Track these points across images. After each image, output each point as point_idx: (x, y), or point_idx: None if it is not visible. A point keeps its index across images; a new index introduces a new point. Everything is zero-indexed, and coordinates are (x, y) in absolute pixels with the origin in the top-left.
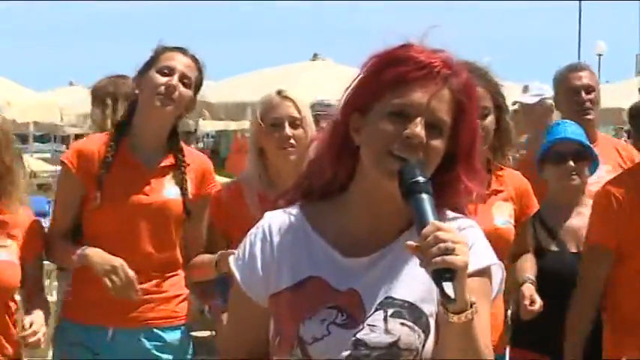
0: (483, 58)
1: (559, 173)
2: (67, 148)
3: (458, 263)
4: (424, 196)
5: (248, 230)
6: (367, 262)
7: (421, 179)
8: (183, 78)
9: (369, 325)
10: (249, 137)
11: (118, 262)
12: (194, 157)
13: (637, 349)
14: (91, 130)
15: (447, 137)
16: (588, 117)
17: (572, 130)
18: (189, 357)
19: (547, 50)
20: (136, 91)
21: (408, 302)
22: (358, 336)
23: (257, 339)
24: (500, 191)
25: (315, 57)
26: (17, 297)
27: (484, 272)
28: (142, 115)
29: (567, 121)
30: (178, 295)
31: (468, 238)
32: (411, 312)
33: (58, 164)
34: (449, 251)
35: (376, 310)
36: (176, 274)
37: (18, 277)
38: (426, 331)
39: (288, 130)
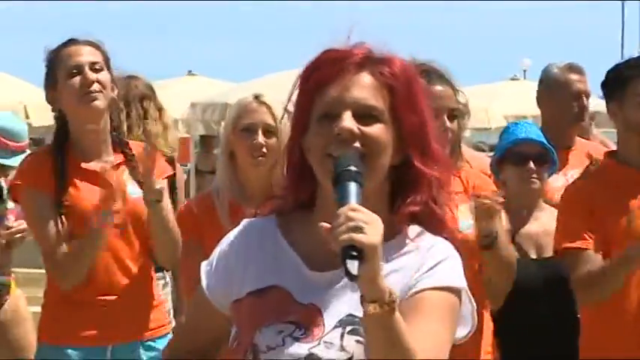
0: (523, 60)
1: (519, 175)
2: None
3: (365, 241)
4: (350, 183)
5: (220, 240)
6: (331, 277)
7: (352, 168)
8: (92, 66)
9: (325, 341)
10: (221, 140)
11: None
12: (135, 146)
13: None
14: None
15: (389, 124)
16: (584, 123)
17: (534, 130)
18: None
19: (589, 50)
20: (53, 108)
21: None
22: (312, 350)
23: (205, 342)
24: (460, 192)
25: None
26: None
27: (450, 290)
28: (76, 124)
29: (526, 121)
30: (161, 302)
31: (437, 254)
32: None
33: None
34: (357, 229)
35: (335, 327)
36: (151, 279)
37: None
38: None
39: (261, 138)
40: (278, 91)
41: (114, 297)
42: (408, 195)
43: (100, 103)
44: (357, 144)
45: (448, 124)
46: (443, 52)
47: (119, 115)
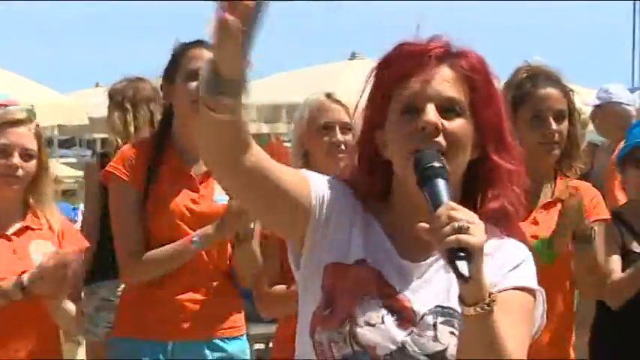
0: (534, 57)
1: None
2: (94, 154)
3: (472, 242)
4: (438, 180)
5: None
6: (419, 268)
7: (436, 164)
8: None
9: (419, 329)
10: (293, 140)
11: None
12: None
13: None
14: (113, 136)
15: (469, 118)
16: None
17: None
18: None
19: (600, 51)
20: (164, 99)
21: (457, 312)
22: (407, 338)
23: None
24: (563, 201)
25: (353, 56)
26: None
27: (529, 291)
28: (181, 124)
29: None
30: (236, 303)
31: (515, 256)
32: (461, 322)
33: (83, 169)
34: (463, 230)
35: (424, 315)
36: (230, 282)
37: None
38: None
39: (340, 136)
40: (282, 91)
41: (191, 295)
42: (485, 190)
43: None
44: (440, 139)
45: (554, 126)
46: None
47: (126, 116)
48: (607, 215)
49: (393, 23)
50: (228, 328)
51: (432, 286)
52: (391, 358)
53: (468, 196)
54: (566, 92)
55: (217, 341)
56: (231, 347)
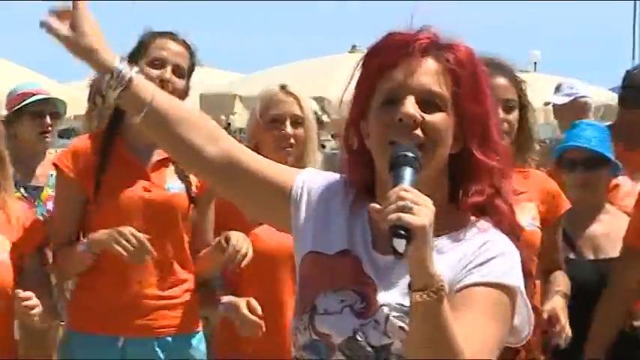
0: (533, 51)
1: (571, 181)
2: None
3: (413, 222)
4: (406, 167)
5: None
6: (393, 261)
7: (409, 154)
8: (175, 69)
9: (375, 320)
10: (246, 132)
11: (125, 227)
12: None
13: None
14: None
15: (451, 112)
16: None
17: (585, 135)
18: None
19: (600, 42)
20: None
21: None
22: (364, 328)
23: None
24: (522, 192)
25: (353, 49)
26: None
27: (502, 288)
28: None
29: (585, 121)
30: (191, 299)
31: (492, 249)
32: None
33: None
34: (406, 209)
35: (382, 306)
36: (187, 277)
37: (10, 277)
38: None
39: (289, 129)
40: (287, 82)
41: (141, 290)
42: (468, 185)
43: None
44: (418, 131)
45: (502, 114)
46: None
47: (91, 110)
48: (566, 206)
49: (393, 17)
50: (182, 325)
51: (398, 284)
52: (344, 346)
53: (455, 189)
54: (517, 82)
55: (169, 338)
56: (184, 345)
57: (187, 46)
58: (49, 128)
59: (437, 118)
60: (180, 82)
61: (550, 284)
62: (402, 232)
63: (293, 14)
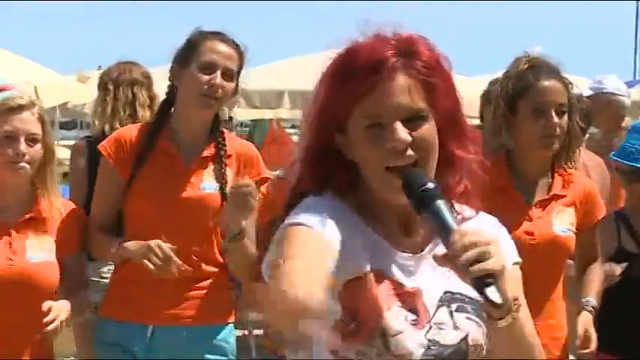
0: (534, 47)
1: (628, 193)
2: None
3: (496, 267)
4: (438, 202)
5: None
6: (419, 258)
7: (430, 185)
8: (225, 72)
9: (436, 323)
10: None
11: (153, 242)
12: (236, 145)
13: None
14: (91, 118)
15: (432, 116)
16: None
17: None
18: (232, 357)
19: (602, 37)
20: (172, 80)
21: (467, 296)
22: (428, 336)
23: None
24: (562, 196)
25: None
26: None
27: (516, 264)
28: (182, 110)
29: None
30: (221, 292)
31: (492, 232)
32: (473, 306)
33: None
34: (483, 257)
35: (438, 307)
36: (216, 271)
37: (56, 277)
38: (487, 326)
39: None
40: (286, 76)
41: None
42: (447, 175)
43: (215, 109)
44: (410, 152)
45: (556, 119)
46: (451, 41)
47: (105, 98)
48: (601, 210)
49: (394, 13)
50: (210, 316)
51: (436, 274)
52: (426, 358)
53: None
54: (567, 85)
55: (198, 329)
56: (213, 336)
57: (237, 47)
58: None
59: (424, 131)
60: (229, 86)
61: (586, 277)
62: (490, 281)
63: (297, 10)
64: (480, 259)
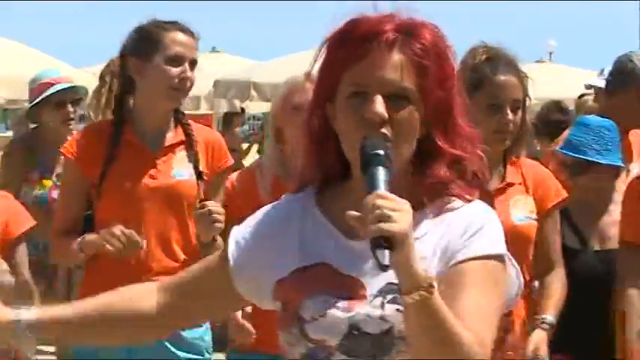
0: (549, 41)
1: (572, 184)
2: None
3: (393, 230)
4: (379, 168)
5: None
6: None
7: (380, 151)
8: (191, 63)
9: (365, 312)
10: (269, 119)
11: (115, 227)
12: (204, 132)
13: None
14: (87, 110)
15: (418, 103)
16: None
17: (583, 139)
18: (208, 356)
19: (614, 31)
20: (131, 73)
21: None
22: (352, 321)
23: (196, 304)
24: (517, 183)
25: None
26: None
27: (495, 257)
28: (146, 103)
29: (591, 117)
30: None
31: (473, 223)
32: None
33: None
34: (385, 218)
35: (375, 296)
36: (192, 262)
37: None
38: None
39: None
40: (301, 70)
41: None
42: (428, 168)
43: (181, 101)
44: (386, 129)
45: (510, 116)
46: (465, 35)
47: (101, 88)
48: (559, 195)
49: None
50: None
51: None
52: (344, 345)
53: (419, 170)
54: (522, 80)
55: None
56: (189, 334)
57: (193, 35)
58: (72, 115)
59: (404, 114)
60: (194, 75)
61: (545, 291)
62: (384, 243)
63: (300, 5)
64: (382, 220)
